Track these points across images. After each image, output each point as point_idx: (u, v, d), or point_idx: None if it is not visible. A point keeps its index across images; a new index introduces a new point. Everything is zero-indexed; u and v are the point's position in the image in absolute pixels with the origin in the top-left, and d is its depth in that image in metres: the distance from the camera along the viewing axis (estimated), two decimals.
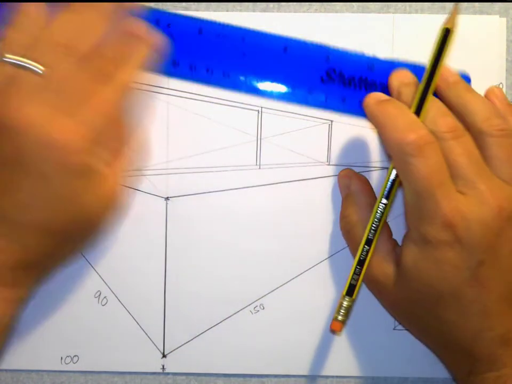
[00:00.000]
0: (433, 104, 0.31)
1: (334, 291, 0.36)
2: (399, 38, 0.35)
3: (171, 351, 0.36)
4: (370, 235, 0.32)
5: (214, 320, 0.36)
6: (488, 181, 0.30)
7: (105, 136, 0.29)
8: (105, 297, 0.36)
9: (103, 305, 0.36)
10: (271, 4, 0.36)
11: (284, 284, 0.36)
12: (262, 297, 0.36)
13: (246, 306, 0.36)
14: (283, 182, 0.36)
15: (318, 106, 0.35)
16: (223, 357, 0.36)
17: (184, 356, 0.36)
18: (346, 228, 0.35)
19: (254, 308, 0.36)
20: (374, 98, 0.32)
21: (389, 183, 0.32)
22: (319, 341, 0.36)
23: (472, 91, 0.32)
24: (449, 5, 0.36)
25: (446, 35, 0.31)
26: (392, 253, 0.33)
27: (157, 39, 0.32)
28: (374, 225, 0.32)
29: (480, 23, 0.35)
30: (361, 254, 0.32)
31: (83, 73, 0.29)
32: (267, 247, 0.36)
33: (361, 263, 0.32)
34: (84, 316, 0.35)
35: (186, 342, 0.36)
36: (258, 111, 0.36)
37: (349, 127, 0.36)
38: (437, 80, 0.31)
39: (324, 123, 0.36)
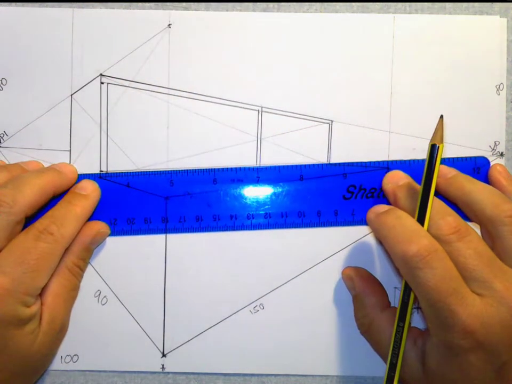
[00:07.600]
0: (433, 206, 0.30)
1: (334, 291, 0.36)
2: (399, 38, 0.35)
3: (171, 351, 0.36)
4: (393, 360, 0.31)
5: (214, 320, 0.36)
6: (503, 277, 0.29)
7: (27, 283, 0.30)
8: (105, 296, 0.36)
9: (103, 305, 0.36)
10: (271, 4, 0.36)
11: (284, 283, 0.36)
12: (262, 297, 0.36)
13: (246, 306, 0.36)
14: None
15: (347, 223, 0.35)
16: (223, 356, 0.36)
17: (184, 355, 0.36)
18: (362, 329, 0.35)
19: (254, 307, 0.36)
20: (373, 212, 0.32)
21: (401, 302, 0.31)
22: (318, 341, 0.36)
23: (474, 181, 0.32)
24: (449, 5, 0.36)
25: (435, 150, 0.30)
26: (418, 355, 0.31)
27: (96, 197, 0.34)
28: (394, 350, 0.31)
29: (480, 23, 0.35)
30: (388, 375, 0.31)
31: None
32: (267, 247, 0.36)
33: (389, 380, 0.31)
34: (84, 315, 0.36)
35: (186, 342, 0.36)
36: (258, 111, 0.36)
37: (349, 127, 0.36)
38: (433, 189, 0.30)
39: (324, 123, 0.36)
